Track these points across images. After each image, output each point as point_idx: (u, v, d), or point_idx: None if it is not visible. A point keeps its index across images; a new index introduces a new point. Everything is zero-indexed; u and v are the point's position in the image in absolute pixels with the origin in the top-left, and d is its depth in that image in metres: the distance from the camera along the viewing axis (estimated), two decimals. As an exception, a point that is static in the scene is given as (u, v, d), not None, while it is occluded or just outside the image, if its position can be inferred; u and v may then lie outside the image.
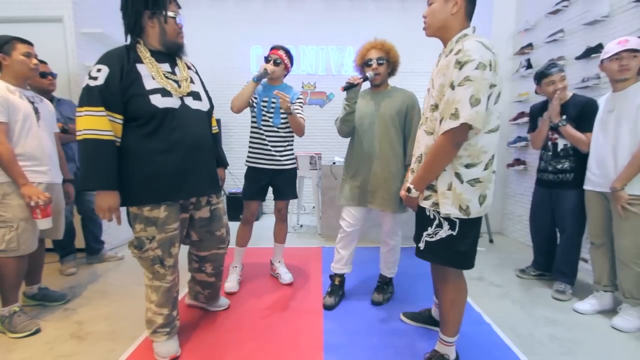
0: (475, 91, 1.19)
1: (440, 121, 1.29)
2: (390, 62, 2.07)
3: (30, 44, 2.00)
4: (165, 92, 1.51)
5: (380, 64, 2.01)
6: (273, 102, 2.31)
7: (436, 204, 1.35)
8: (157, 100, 1.48)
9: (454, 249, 1.35)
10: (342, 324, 1.97)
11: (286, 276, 2.51)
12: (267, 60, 2.30)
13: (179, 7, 1.59)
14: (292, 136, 2.43)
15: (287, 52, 2.34)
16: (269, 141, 2.33)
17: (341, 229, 2.14)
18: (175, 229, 1.61)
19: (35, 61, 1.99)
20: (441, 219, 1.35)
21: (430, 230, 1.38)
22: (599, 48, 2.60)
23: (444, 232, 1.34)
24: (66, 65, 2.93)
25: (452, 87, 1.23)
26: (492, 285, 2.53)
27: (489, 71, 1.20)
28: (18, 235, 1.83)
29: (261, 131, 2.32)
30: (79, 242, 2.83)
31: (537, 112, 2.53)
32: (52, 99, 2.56)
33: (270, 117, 2.31)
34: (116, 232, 3.33)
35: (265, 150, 2.33)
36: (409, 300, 2.25)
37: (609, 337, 1.86)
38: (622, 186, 1.88)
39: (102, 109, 1.40)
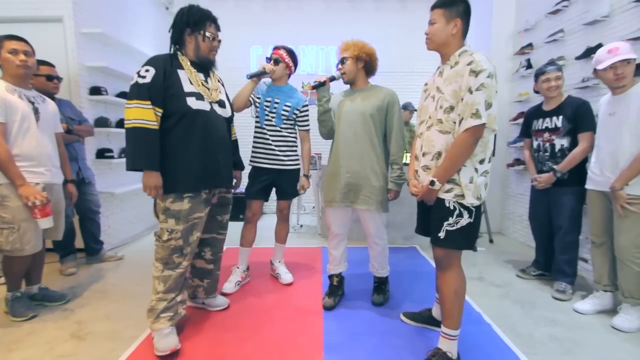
0: (488, 97, 1.39)
1: (460, 121, 1.44)
2: (356, 59, 2.04)
3: (21, 40, 1.95)
4: (199, 96, 1.73)
5: (343, 62, 2.07)
6: (276, 102, 2.31)
7: (459, 196, 1.48)
8: (192, 102, 1.70)
9: (470, 234, 1.52)
10: (342, 324, 1.97)
11: (286, 276, 2.50)
12: (268, 60, 2.30)
13: (219, 30, 1.83)
14: (296, 137, 2.43)
15: (289, 52, 2.34)
16: (273, 141, 2.32)
17: (330, 230, 2.16)
18: (198, 218, 1.74)
19: (21, 57, 1.92)
20: (461, 209, 1.48)
21: (451, 220, 1.50)
22: (598, 48, 2.60)
23: (465, 220, 1.49)
24: (66, 65, 2.93)
25: (470, 91, 1.41)
26: (492, 285, 2.53)
27: (494, 80, 1.41)
28: (20, 236, 1.86)
29: (264, 131, 2.32)
30: (79, 242, 2.83)
31: (530, 116, 2.58)
32: (53, 100, 2.58)
33: (272, 117, 2.31)
34: (115, 232, 3.34)
35: (269, 150, 2.33)
36: (409, 300, 2.25)
37: (609, 337, 1.86)
38: (621, 186, 1.89)
39: (149, 102, 1.60)
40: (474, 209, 1.49)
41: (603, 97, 2.15)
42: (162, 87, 1.63)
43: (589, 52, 2.67)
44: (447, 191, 1.49)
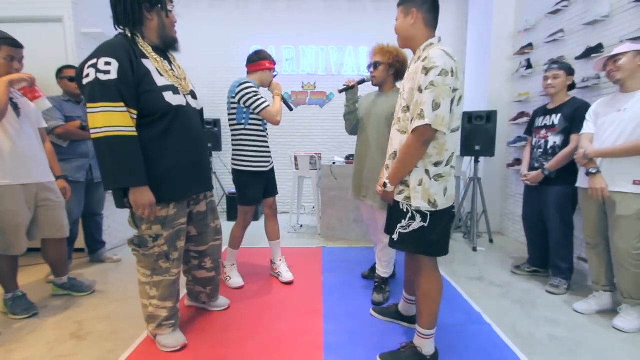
0: (436, 96, 1.31)
1: (412, 121, 1.40)
2: (388, 65, 2.12)
3: (18, 46, 1.92)
4: (175, 90, 1.52)
5: (375, 67, 2.13)
6: None
7: (408, 198, 1.44)
8: (170, 98, 1.48)
9: (425, 239, 1.44)
10: (342, 324, 1.97)
11: (287, 275, 2.51)
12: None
13: (171, 2, 1.58)
14: None
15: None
16: (267, 143, 2.38)
17: None
18: (184, 223, 1.65)
19: (16, 66, 1.90)
20: (413, 212, 1.43)
21: (403, 222, 1.46)
22: (599, 48, 2.61)
23: (417, 223, 1.43)
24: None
25: (420, 90, 1.35)
26: (492, 285, 2.53)
27: (450, 77, 1.32)
28: (7, 240, 1.88)
29: (264, 133, 2.34)
30: (79, 242, 2.82)
31: (535, 114, 2.61)
32: (80, 102, 2.64)
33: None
34: (115, 232, 3.33)
35: (267, 153, 2.37)
36: (409, 300, 2.25)
37: (609, 337, 1.86)
38: (598, 156, 1.95)
39: (122, 104, 1.35)
40: (428, 214, 1.41)
41: (607, 96, 2.13)
42: (133, 83, 1.37)
43: (589, 52, 2.67)
44: (399, 192, 1.47)
